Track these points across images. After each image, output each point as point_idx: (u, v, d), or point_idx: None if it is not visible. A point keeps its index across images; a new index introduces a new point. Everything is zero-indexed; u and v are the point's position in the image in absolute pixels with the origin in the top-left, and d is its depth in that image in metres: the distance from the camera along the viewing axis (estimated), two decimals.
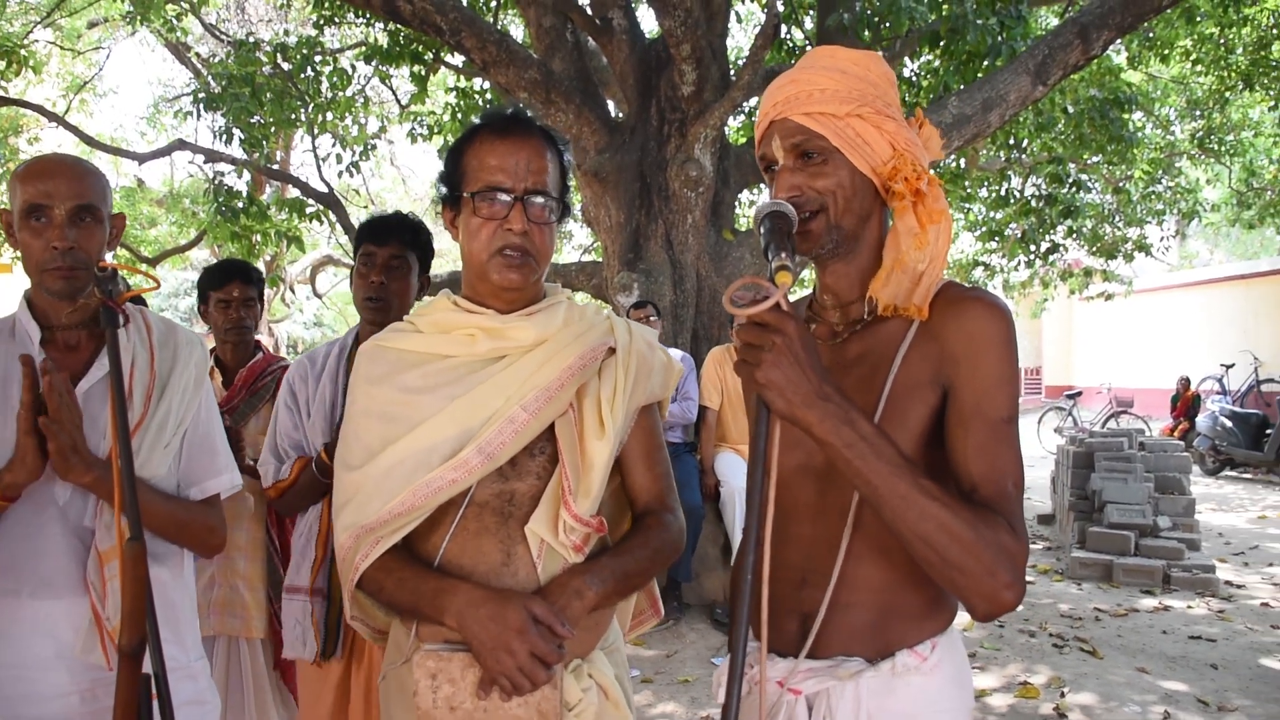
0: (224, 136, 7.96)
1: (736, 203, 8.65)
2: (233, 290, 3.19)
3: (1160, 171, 13.45)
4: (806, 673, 1.39)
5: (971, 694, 1.48)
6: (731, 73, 7.50)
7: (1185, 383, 14.81)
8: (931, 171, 1.39)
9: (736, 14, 10.83)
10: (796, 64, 1.44)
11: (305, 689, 2.55)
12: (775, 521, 1.36)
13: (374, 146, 9.74)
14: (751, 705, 1.40)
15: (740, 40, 12.67)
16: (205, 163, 10.63)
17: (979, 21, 6.44)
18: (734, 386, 5.70)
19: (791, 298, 1.46)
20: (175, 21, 10.19)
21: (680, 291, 7.12)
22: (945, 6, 6.76)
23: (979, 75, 6.93)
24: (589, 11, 7.55)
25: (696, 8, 6.45)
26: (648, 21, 12.58)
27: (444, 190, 1.67)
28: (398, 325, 1.73)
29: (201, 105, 8.05)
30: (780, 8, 7.16)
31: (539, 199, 1.60)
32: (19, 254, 1.73)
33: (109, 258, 1.80)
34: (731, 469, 5.67)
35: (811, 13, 9.00)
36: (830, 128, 1.37)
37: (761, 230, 1.31)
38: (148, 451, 1.73)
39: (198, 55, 14.93)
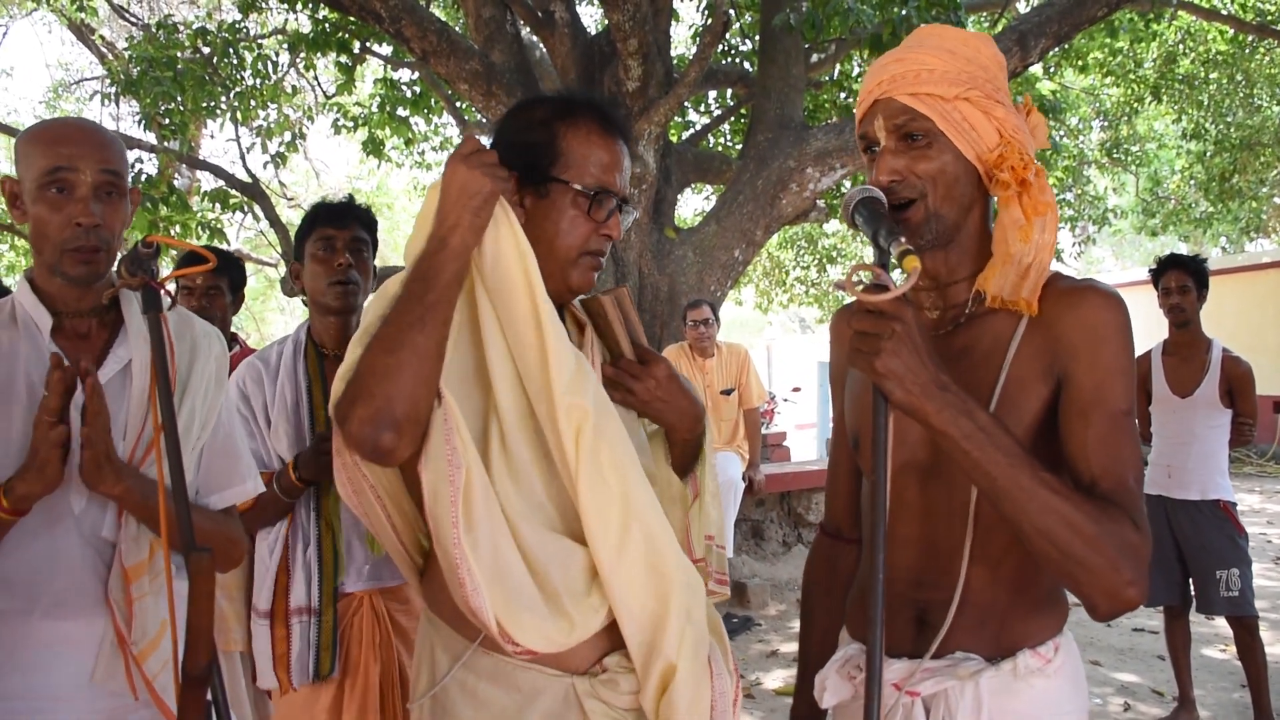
0: (144, 123, 7.53)
1: (678, 201, 8.59)
2: (195, 277, 2.99)
3: (1070, 179, 13.85)
4: (923, 674, 1.33)
5: (1087, 696, 1.44)
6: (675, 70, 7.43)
7: None
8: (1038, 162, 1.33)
9: (675, 12, 10.81)
10: (903, 43, 1.37)
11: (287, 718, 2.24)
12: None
13: (302, 136, 9.39)
14: (856, 710, 1.33)
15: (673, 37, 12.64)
16: None
17: (921, 26, 6.49)
18: None
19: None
20: (84, 0, 9.66)
21: None
22: (886, 10, 6.80)
23: None
24: (530, 3, 7.41)
25: (645, 3, 6.37)
26: (588, 15, 12.46)
27: (520, 160, 1.44)
28: None
29: (119, 90, 7.63)
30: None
31: (628, 209, 1.49)
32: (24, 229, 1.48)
33: None
34: None
35: (748, 15, 9.01)
36: (936, 109, 1.30)
37: (858, 220, 1.25)
38: None
39: (102, 38, 14.20)
